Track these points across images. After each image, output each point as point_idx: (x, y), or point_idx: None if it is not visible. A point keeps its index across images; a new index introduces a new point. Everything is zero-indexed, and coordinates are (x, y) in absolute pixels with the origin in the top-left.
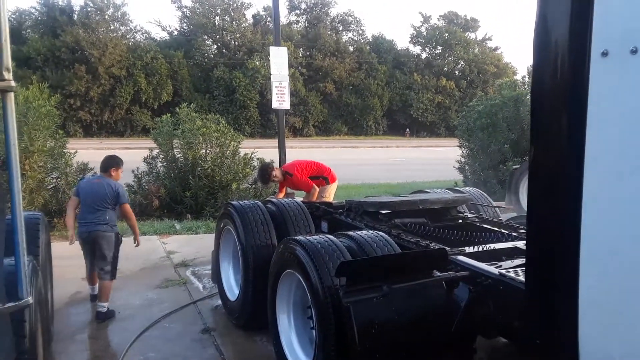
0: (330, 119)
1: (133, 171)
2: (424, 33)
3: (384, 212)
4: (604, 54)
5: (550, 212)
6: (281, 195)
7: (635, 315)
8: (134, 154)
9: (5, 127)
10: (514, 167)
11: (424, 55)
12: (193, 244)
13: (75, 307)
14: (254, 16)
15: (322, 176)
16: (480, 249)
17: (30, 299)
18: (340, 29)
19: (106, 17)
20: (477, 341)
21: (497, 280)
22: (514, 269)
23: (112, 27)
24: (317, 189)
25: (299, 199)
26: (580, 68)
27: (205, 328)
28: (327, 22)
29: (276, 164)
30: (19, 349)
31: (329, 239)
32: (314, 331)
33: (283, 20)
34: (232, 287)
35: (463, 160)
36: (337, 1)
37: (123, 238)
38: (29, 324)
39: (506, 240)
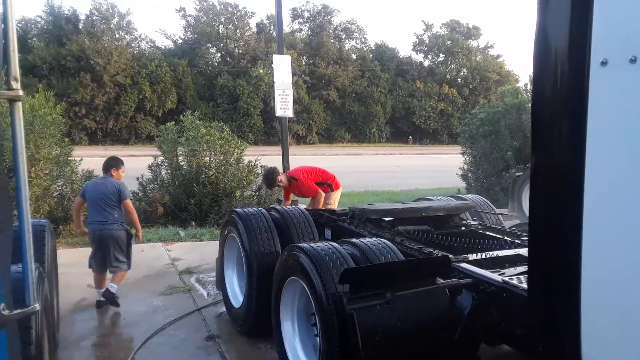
0: (334, 127)
1: (138, 178)
2: (427, 41)
3: (387, 219)
4: (604, 63)
5: (552, 220)
6: (288, 203)
7: (638, 322)
8: (139, 162)
9: (13, 136)
10: (517, 174)
11: (426, 63)
12: (197, 251)
13: (81, 314)
14: (257, 24)
15: (326, 183)
16: (483, 256)
17: (37, 306)
18: (343, 37)
19: (111, 25)
20: (480, 348)
21: (500, 288)
22: (517, 276)
23: (117, 36)
24: (323, 194)
25: (303, 206)
26: (580, 77)
27: (209, 335)
28: (330, 30)
29: (281, 170)
30: (26, 355)
31: (332, 246)
32: (317, 338)
33: (286, 28)
34: (236, 294)
35: (466, 167)
36: (340, 9)
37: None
38: (36, 330)
39: (509, 248)
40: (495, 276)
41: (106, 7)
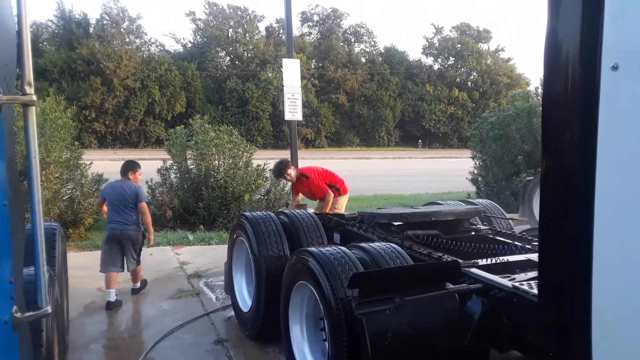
0: (343, 130)
1: (147, 182)
2: (437, 44)
3: (396, 223)
4: (614, 67)
5: (562, 224)
6: (297, 200)
7: None
8: (148, 165)
9: (27, 140)
10: (528, 178)
11: (436, 67)
12: (206, 255)
13: (90, 317)
14: (266, 28)
15: (335, 187)
16: (493, 261)
17: (49, 308)
18: (353, 40)
19: (121, 30)
20: (490, 354)
21: (511, 293)
22: (527, 282)
23: (127, 40)
24: (332, 195)
25: (311, 210)
26: (591, 81)
27: (218, 339)
28: (340, 34)
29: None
30: (36, 358)
31: (341, 250)
32: (326, 343)
33: (296, 32)
34: (245, 298)
35: (476, 171)
36: (349, 13)
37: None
38: (46, 333)
39: (520, 253)
40: (505, 281)
41: (116, 12)
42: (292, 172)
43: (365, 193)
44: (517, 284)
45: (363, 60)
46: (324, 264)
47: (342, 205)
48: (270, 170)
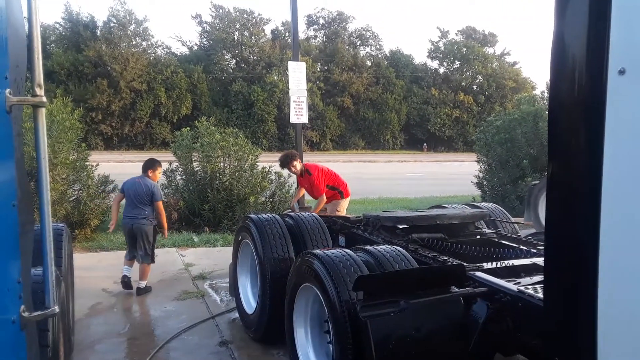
0: (348, 133)
1: None
2: (442, 48)
3: (401, 226)
4: (621, 72)
5: (568, 228)
6: (300, 194)
7: None
8: None
9: (37, 141)
10: (533, 182)
11: (441, 70)
12: (211, 257)
13: (96, 318)
14: (272, 31)
15: (338, 189)
16: (498, 265)
17: (57, 308)
18: (358, 43)
19: (128, 32)
20: (495, 358)
21: (516, 297)
22: (532, 286)
23: (133, 42)
24: (325, 200)
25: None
26: (597, 86)
27: (222, 341)
28: (345, 37)
29: (294, 177)
30: (42, 358)
31: (346, 253)
32: (330, 345)
33: (301, 35)
34: (250, 300)
35: (481, 175)
36: (355, 16)
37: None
38: (52, 333)
39: (525, 257)
40: (510, 285)
41: (123, 14)
42: (297, 165)
43: (370, 196)
44: (522, 288)
45: (368, 63)
46: (328, 266)
47: (343, 208)
48: (275, 172)
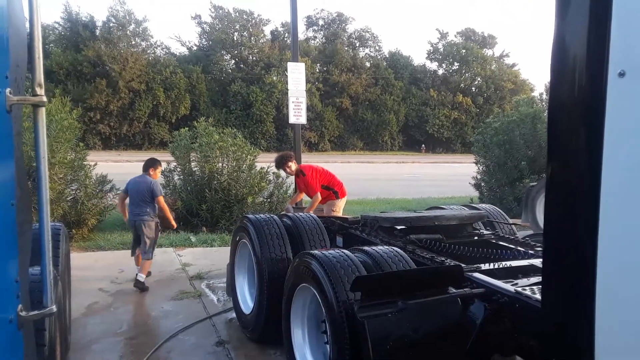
0: (346, 134)
1: None
2: (441, 49)
3: (399, 227)
4: (621, 74)
5: (567, 229)
6: (300, 197)
7: None
8: None
9: (36, 140)
10: (531, 184)
11: (440, 72)
12: (208, 257)
13: (92, 317)
14: (272, 32)
15: (333, 189)
16: (496, 266)
17: (54, 308)
18: (357, 45)
19: (127, 32)
20: (492, 359)
21: (513, 298)
22: (530, 287)
23: (133, 42)
24: (320, 198)
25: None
26: (597, 88)
27: (219, 341)
28: (344, 38)
29: (292, 178)
30: (39, 357)
31: (344, 253)
32: (328, 346)
33: (301, 36)
34: (247, 301)
35: (479, 176)
36: (354, 18)
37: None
38: (49, 333)
39: (522, 258)
40: (508, 286)
41: (123, 14)
42: (292, 165)
43: (368, 197)
44: (519, 289)
45: (367, 64)
46: (326, 266)
47: (339, 208)
48: (273, 173)
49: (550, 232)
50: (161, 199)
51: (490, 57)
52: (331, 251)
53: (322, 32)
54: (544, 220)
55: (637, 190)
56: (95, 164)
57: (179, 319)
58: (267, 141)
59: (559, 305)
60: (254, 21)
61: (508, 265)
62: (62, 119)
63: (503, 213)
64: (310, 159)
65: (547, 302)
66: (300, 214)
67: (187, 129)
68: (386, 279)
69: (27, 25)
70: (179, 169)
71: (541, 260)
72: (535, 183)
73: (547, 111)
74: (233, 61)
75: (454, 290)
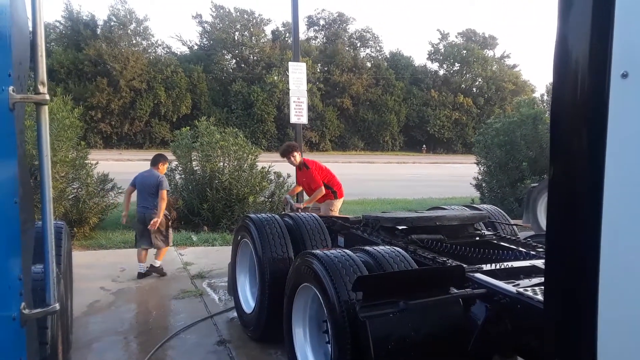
0: (347, 134)
1: None
2: (442, 50)
3: (400, 227)
4: (624, 75)
5: (569, 230)
6: (297, 190)
7: None
8: None
9: (39, 139)
10: (532, 185)
11: (441, 72)
12: (209, 256)
13: (94, 316)
14: (273, 32)
15: (332, 189)
16: (497, 266)
17: (57, 305)
18: (358, 45)
19: (128, 31)
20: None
21: (515, 299)
22: (532, 288)
23: (134, 42)
24: (323, 192)
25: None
26: (600, 89)
27: (220, 340)
28: (345, 39)
29: (293, 178)
30: (41, 355)
31: (345, 253)
32: (329, 345)
33: (302, 36)
34: (248, 300)
35: (480, 177)
36: (355, 18)
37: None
38: (51, 331)
39: (524, 259)
40: (509, 287)
41: (124, 13)
42: (297, 156)
43: (369, 197)
44: (521, 290)
45: (368, 64)
46: (328, 266)
47: (337, 208)
48: (274, 172)
49: (552, 233)
50: (164, 193)
51: (491, 57)
52: (333, 251)
53: (323, 32)
54: (547, 221)
55: (639, 192)
56: (97, 163)
57: (180, 317)
58: (268, 141)
59: (560, 306)
60: (255, 21)
61: (509, 266)
62: (64, 117)
63: (504, 214)
64: (311, 159)
65: (548, 303)
66: (302, 213)
67: (188, 128)
68: (388, 279)
69: (30, 23)
70: (180, 168)
71: (543, 261)
72: (537, 184)
73: (549, 112)
74: (234, 61)
75: (456, 291)
